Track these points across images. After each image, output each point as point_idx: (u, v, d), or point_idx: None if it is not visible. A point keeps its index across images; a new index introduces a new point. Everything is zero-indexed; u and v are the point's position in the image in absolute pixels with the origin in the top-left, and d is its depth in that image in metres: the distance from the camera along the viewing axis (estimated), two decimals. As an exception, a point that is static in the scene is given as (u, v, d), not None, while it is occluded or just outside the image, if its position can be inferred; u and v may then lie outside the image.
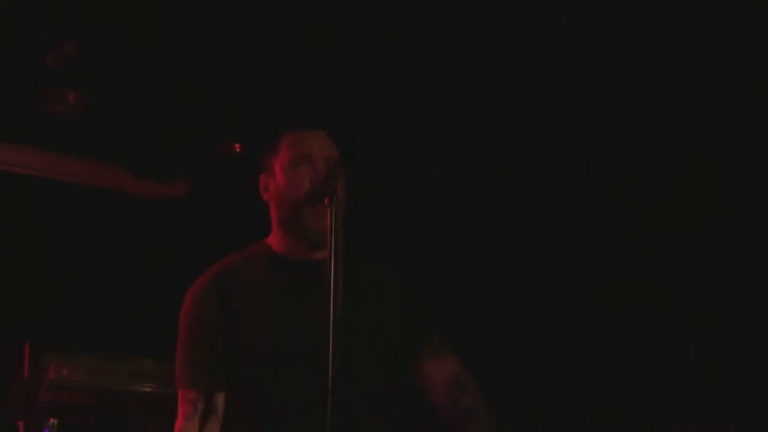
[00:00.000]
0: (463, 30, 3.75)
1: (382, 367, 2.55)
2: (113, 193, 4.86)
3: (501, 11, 3.64)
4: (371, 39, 3.84)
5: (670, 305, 3.70)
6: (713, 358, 3.53)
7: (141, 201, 4.91)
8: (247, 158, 4.50)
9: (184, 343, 2.57)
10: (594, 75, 3.75)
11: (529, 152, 4.15)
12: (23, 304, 4.45)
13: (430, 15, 3.69)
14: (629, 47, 3.62)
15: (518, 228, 4.24)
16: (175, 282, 2.81)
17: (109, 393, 4.03)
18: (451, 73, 3.96)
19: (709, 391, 3.52)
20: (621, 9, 3.50)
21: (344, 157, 2.57)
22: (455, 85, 4.00)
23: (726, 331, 3.49)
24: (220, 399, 2.53)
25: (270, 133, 2.73)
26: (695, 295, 3.62)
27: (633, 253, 3.83)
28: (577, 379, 3.89)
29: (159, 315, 3.30)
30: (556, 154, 4.08)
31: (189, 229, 4.90)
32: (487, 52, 3.84)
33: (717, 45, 3.45)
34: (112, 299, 4.67)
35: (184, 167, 4.82)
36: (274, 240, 2.64)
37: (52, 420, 3.53)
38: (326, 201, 2.32)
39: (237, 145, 4.54)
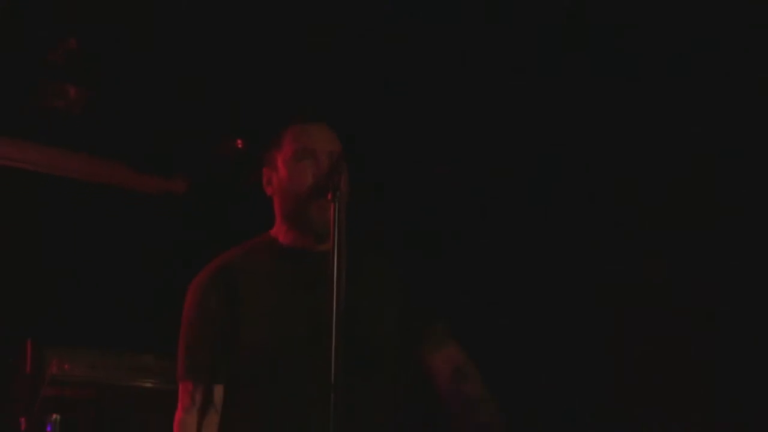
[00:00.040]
0: (463, 30, 3.75)
1: (384, 361, 2.55)
2: (114, 189, 4.86)
3: (501, 11, 3.64)
4: (371, 39, 3.84)
5: (670, 305, 3.70)
6: (713, 358, 3.53)
7: (142, 196, 4.91)
8: (249, 154, 4.50)
9: (185, 337, 2.58)
10: (594, 75, 3.75)
11: (529, 152, 4.15)
12: (25, 300, 4.45)
13: (430, 15, 3.69)
14: (629, 47, 3.62)
15: (518, 228, 4.24)
16: (176, 278, 2.81)
17: (110, 388, 4.03)
18: (451, 73, 3.96)
19: (709, 391, 3.52)
20: (621, 9, 3.50)
21: (347, 151, 2.57)
22: (455, 85, 4.00)
23: (726, 331, 3.50)
24: (219, 391, 2.53)
25: (269, 132, 2.73)
26: (695, 295, 3.62)
27: (633, 253, 3.83)
28: (577, 379, 3.89)
29: (160, 311, 3.30)
30: (556, 154, 4.09)
31: (190, 224, 4.90)
32: (487, 52, 3.84)
33: (717, 45, 3.45)
34: (114, 295, 4.68)
35: (185, 162, 4.83)
36: (279, 232, 2.63)
37: (54, 415, 3.52)
38: (329, 196, 2.32)
39: (239, 141, 4.54)
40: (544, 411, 3.93)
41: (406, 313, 2.61)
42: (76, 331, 4.31)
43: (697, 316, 3.60)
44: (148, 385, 4.07)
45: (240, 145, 4.56)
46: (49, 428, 3.51)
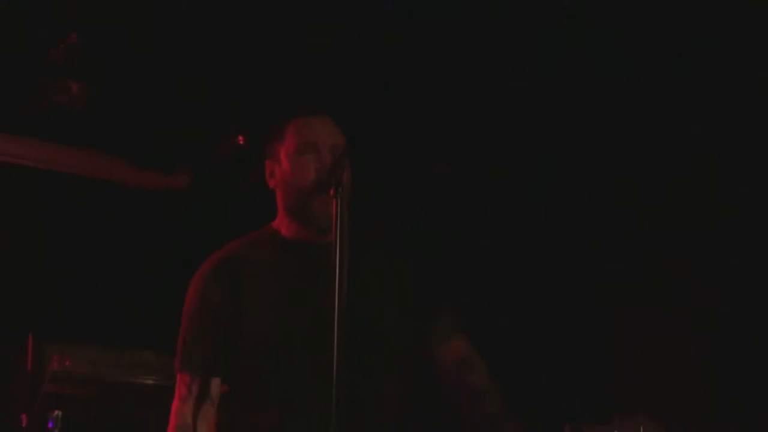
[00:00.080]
0: (463, 30, 3.75)
1: (387, 354, 2.55)
2: (116, 185, 4.87)
3: (501, 11, 3.64)
4: (371, 39, 3.84)
5: (670, 305, 3.70)
6: (713, 358, 3.53)
7: (144, 193, 4.91)
8: (250, 151, 4.50)
9: (185, 329, 2.58)
10: (594, 75, 3.75)
11: (529, 152, 4.15)
12: (26, 297, 4.46)
13: (430, 15, 3.69)
14: (629, 47, 3.62)
15: (518, 228, 4.24)
16: (177, 274, 2.80)
17: (111, 385, 4.03)
18: (451, 73, 3.96)
19: (709, 391, 3.52)
20: (621, 9, 3.50)
21: (350, 146, 2.56)
22: (455, 85, 4.00)
23: (726, 331, 3.50)
24: (215, 384, 2.53)
25: (269, 131, 2.73)
26: (695, 295, 3.62)
27: (633, 253, 3.83)
28: (577, 379, 3.89)
29: (161, 307, 3.30)
30: (556, 154, 4.09)
31: (192, 220, 4.90)
32: (487, 52, 3.85)
33: (717, 45, 3.45)
34: (115, 291, 4.68)
35: (187, 158, 4.83)
36: (281, 224, 2.63)
37: (56, 412, 3.52)
38: (332, 192, 2.31)
39: (240, 138, 4.54)
40: (544, 411, 3.92)
41: (413, 306, 2.61)
42: (78, 327, 4.32)
43: (697, 316, 3.60)
44: (150, 381, 4.07)
45: (242, 142, 4.56)
46: (50, 424, 3.51)
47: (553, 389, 3.95)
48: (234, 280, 2.53)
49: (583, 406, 3.84)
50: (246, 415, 2.51)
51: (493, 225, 4.32)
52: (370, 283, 2.50)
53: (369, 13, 3.72)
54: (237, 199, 4.69)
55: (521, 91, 3.93)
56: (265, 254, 2.58)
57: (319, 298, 2.28)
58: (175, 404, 2.53)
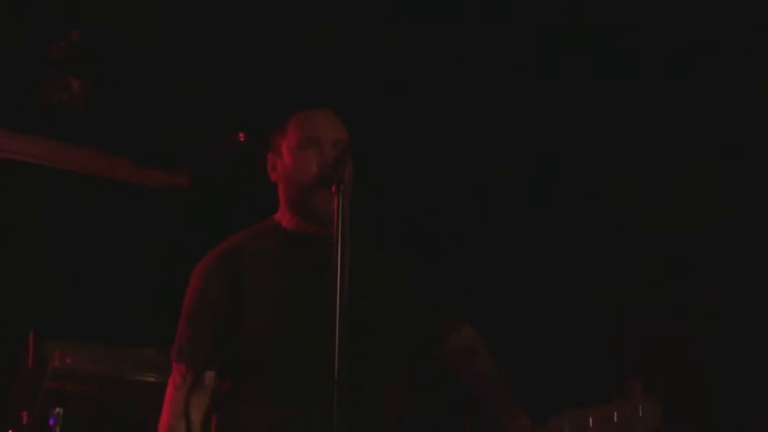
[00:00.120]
0: (463, 30, 3.75)
1: (389, 348, 2.55)
2: (117, 183, 4.87)
3: (501, 11, 3.65)
4: (371, 39, 3.84)
5: (670, 305, 3.70)
6: (713, 358, 3.53)
7: (145, 190, 4.91)
8: (251, 148, 4.51)
9: (185, 320, 2.59)
10: (594, 75, 3.75)
11: (529, 152, 4.15)
12: (28, 294, 4.46)
13: (430, 15, 3.70)
14: (629, 47, 3.62)
15: (518, 228, 4.23)
16: (178, 271, 2.80)
17: (112, 382, 4.03)
18: (451, 73, 3.96)
19: (709, 391, 3.52)
20: (621, 9, 3.50)
21: (353, 141, 2.56)
22: (455, 85, 4.01)
23: (726, 331, 3.49)
24: (210, 375, 2.55)
25: (269, 131, 2.73)
26: (695, 295, 3.62)
27: (633, 253, 3.83)
28: (577, 379, 3.89)
29: (162, 304, 3.30)
30: (556, 154, 4.08)
31: (193, 217, 4.90)
32: (487, 52, 3.85)
33: (717, 45, 3.45)
34: (116, 288, 4.68)
35: (188, 156, 4.83)
36: (283, 217, 2.63)
37: (57, 409, 3.52)
38: (333, 188, 2.31)
39: (241, 135, 4.54)
40: (544, 411, 3.92)
41: (413, 306, 2.61)
42: (79, 324, 4.32)
43: (697, 316, 3.59)
44: (151, 378, 4.06)
45: (242, 139, 4.56)
46: (51, 421, 3.50)
47: (553, 389, 3.95)
48: (236, 272, 2.54)
49: (583, 405, 3.84)
50: (247, 409, 2.51)
51: (493, 225, 4.31)
52: (370, 282, 2.50)
53: (369, 13, 3.72)
54: (237, 198, 4.69)
55: (521, 91, 3.93)
56: (267, 246, 2.58)
57: (321, 291, 2.28)
58: (169, 392, 2.55)
